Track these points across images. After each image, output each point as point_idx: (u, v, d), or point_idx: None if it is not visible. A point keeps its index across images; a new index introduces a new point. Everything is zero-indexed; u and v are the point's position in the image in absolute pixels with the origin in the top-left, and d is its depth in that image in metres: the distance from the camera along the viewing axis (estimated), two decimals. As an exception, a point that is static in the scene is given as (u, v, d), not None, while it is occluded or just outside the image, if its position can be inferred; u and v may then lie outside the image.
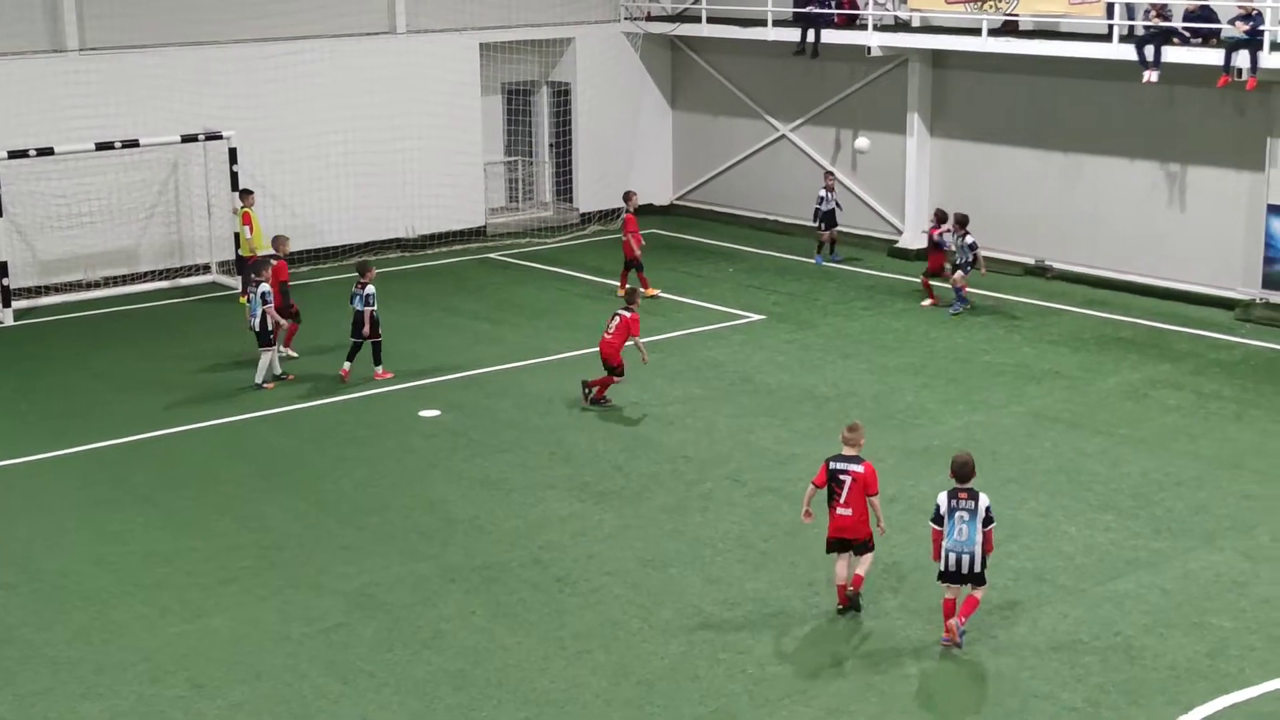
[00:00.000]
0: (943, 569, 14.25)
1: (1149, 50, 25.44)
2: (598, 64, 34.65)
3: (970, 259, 25.84)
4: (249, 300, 23.00)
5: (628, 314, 21.37)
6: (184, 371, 23.65)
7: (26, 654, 14.44)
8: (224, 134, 28.63)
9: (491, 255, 32.03)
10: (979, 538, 14.05)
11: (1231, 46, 24.53)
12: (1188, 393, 21.83)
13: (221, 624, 15.02)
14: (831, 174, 30.71)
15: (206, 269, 29.87)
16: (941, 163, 30.70)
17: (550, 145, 35.13)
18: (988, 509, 14.06)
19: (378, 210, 31.80)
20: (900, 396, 21.75)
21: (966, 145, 30.27)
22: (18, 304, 27.32)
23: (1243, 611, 14.94)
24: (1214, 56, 24.85)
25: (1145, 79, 25.76)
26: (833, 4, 31.36)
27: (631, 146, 35.52)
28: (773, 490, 18.27)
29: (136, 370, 23.87)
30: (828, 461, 14.91)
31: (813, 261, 30.28)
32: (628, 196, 28.38)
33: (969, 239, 25.79)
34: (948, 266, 26.38)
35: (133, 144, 28.06)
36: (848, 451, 14.85)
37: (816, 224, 30.23)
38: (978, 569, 14.15)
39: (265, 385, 22.59)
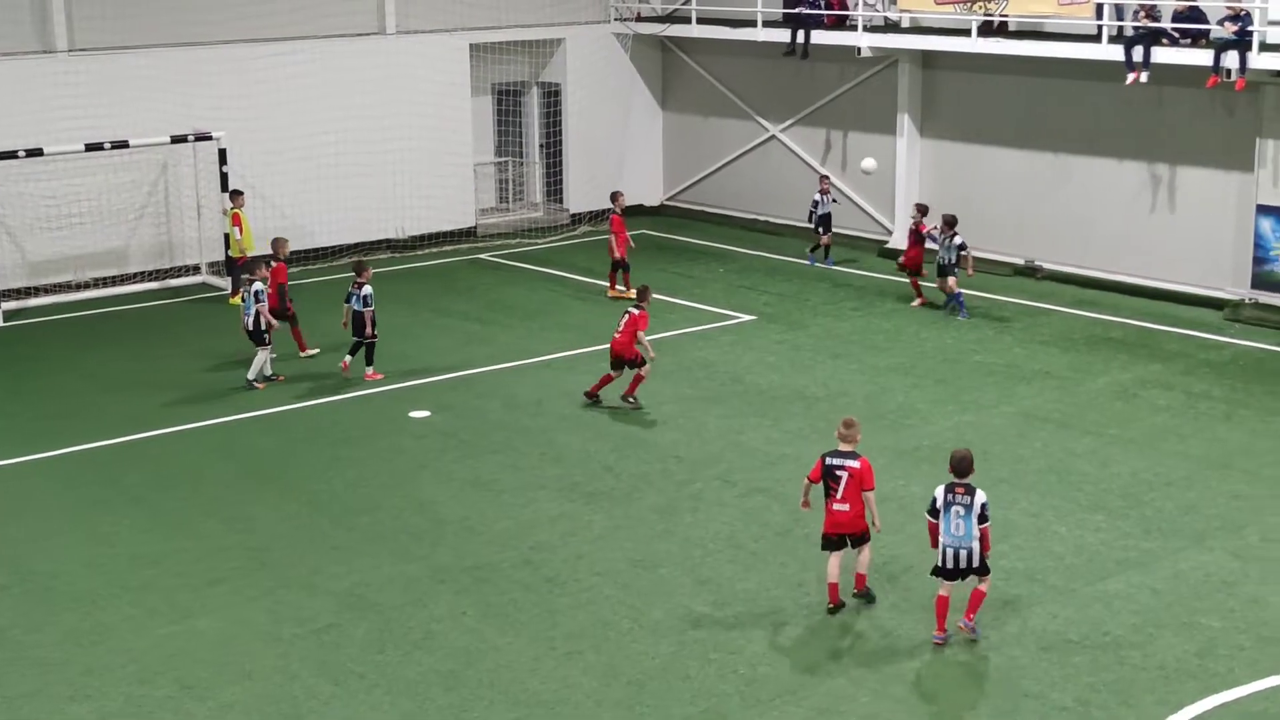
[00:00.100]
0: (938, 564, 14.28)
1: (1138, 51, 25.48)
2: (588, 65, 34.65)
3: (956, 260, 25.83)
4: (243, 300, 23.00)
5: (636, 311, 21.33)
6: (174, 372, 23.61)
7: (15, 655, 14.40)
8: (213, 135, 28.60)
9: (482, 256, 32.02)
10: (975, 533, 14.09)
11: (1220, 47, 24.58)
12: (1177, 393, 21.86)
13: (211, 625, 15.00)
14: (826, 178, 30.68)
15: (196, 270, 29.84)
16: (932, 163, 30.73)
17: (540, 146, 35.12)
18: (983, 505, 14.09)
19: (368, 211, 31.77)
20: (891, 397, 21.76)
21: (956, 146, 30.30)
22: (7, 305, 27.28)
23: (1232, 611, 14.96)
24: (1203, 57, 24.89)
25: (1130, 80, 25.82)
26: (823, 4, 31.37)
27: (622, 147, 35.52)
28: (763, 491, 18.28)
29: (126, 371, 23.84)
30: (824, 457, 14.95)
31: (806, 262, 30.23)
32: (614, 197, 28.37)
33: (957, 239, 25.80)
34: (937, 272, 26.32)
35: (122, 145, 28.02)
36: (844, 447, 14.89)
37: (814, 227, 30.20)
38: (975, 563, 14.18)
39: (256, 385, 22.58)
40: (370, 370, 22.92)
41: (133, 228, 29.41)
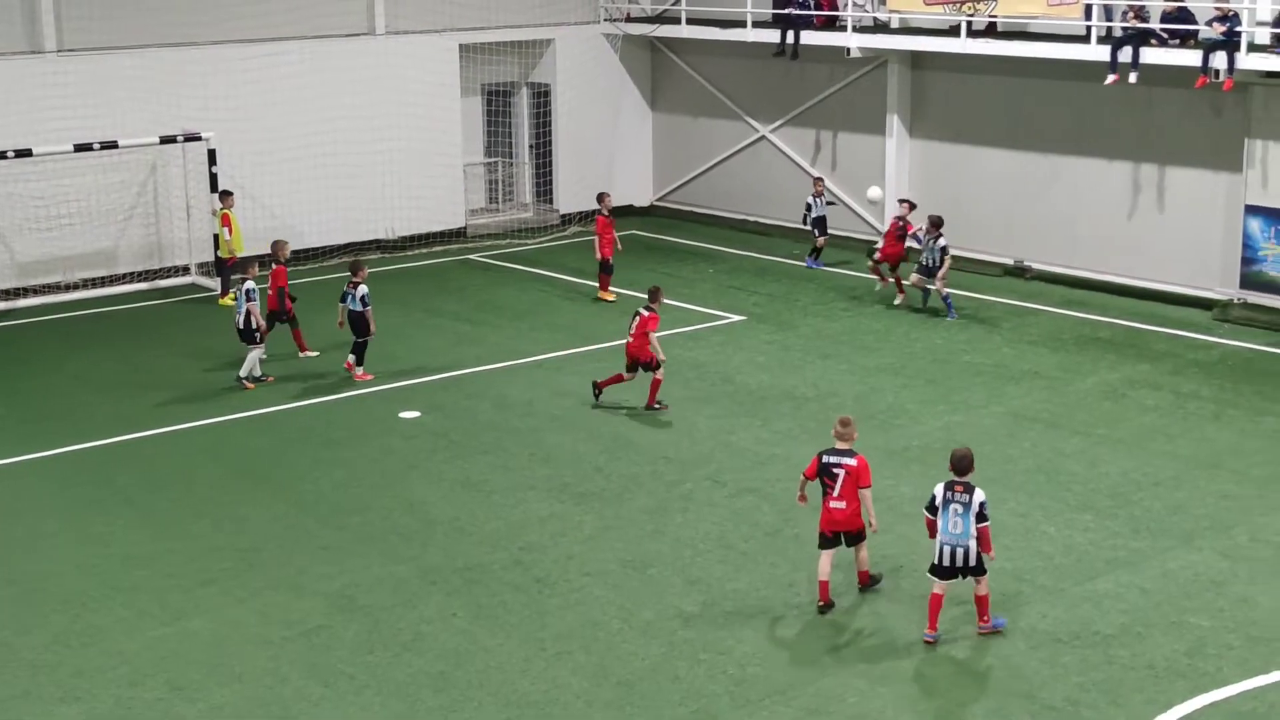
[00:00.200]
0: (935, 561, 14.33)
1: (1126, 52, 25.53)
2: (577, 65, 34.65)
3: (940, 261, 25.83)
4: (236, 299, 23.01)
5: (646, 313, 21.28)
6: (164, 373, 23.59)
7: (4, 657, 14.38)
8: (203, 135, 28.56)
9: (472, 256, 32.01)
10: (973, 531, 14.13)
11: (1209, 48, 24.63)
12: (1166, 393, 21.91)
13: (201, 626, 14.99)
14: (820, 180, 30.65)
15: (186, 270, 29.80)
16: (921, 164, 30.76)
17: (530, 146, 35.12)
18: (982, 505, 14.15)
19: (358, 211, 31.76)
20: (880, 397, 21.79)
21: (946, 146, 30.34)
22: (-4, 306, 27.31)
23: (1221, 611, 15.00)
24: (1191, 58, 24.95)
25: (1109, 81, 25.88)
26: (812, 5, 31.39)
27: (611, 148, 35.53)
28: (753, 491, 18.30)
29: (116, 372, 23.81)
30: (820, 454, 15.03)
31: (804, 264, 30.16)
32: (600, 198, 28.23)
33: (941, 241, 25.80)
34: (915, 275, 26.24)
35: (111, 145, 27.98)
36: (840, 445, 14.96)
37: (810, 229, 30.18)
38: (973, 563, 14.22)
39: (246, 384, 22.56)
40: (360, 370, 22.92)
41: (122, 228, 29.38)
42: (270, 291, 23.72)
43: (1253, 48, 24.43)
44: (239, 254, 27.29)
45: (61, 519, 17.83)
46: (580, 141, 34.99)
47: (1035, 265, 28.91)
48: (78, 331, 26.38)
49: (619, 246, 27.97)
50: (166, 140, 28.55)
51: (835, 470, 14.86)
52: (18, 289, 28.21)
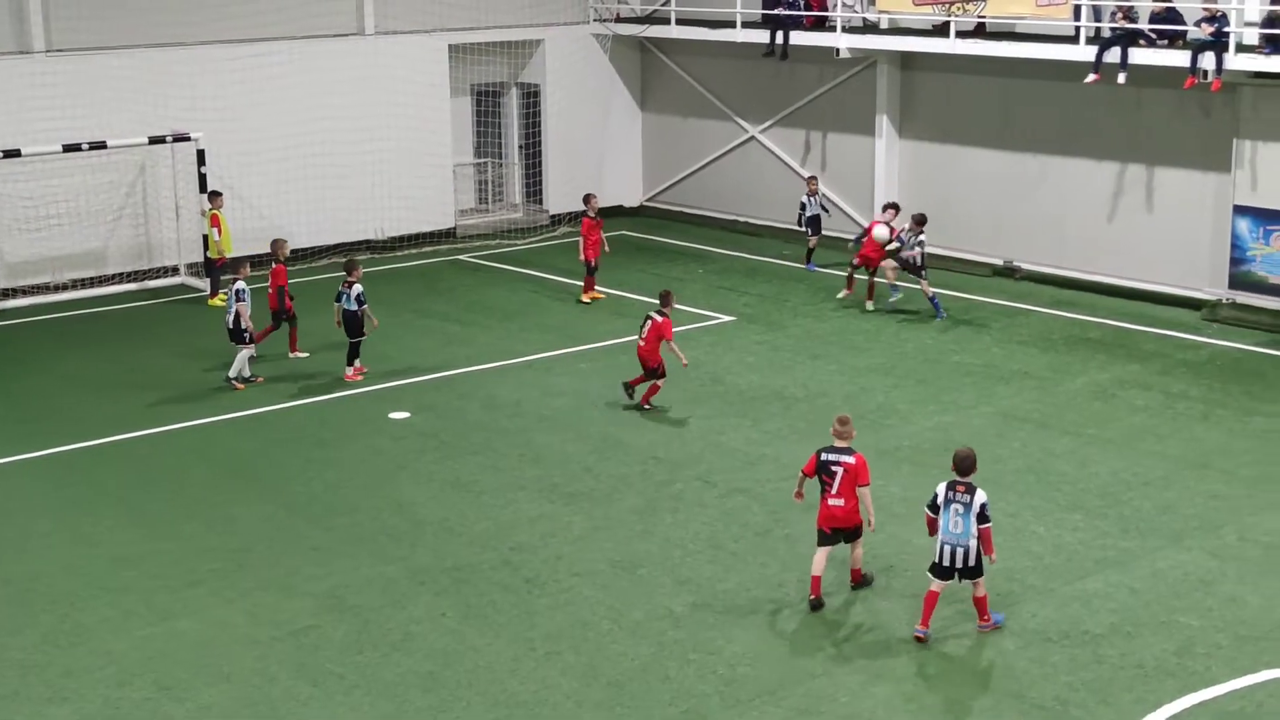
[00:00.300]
0: (935, 560, 14.36)
1: (1115, 52, 25.56)
2: (567, 65, 34.64)
3: (923, 261, 25.81)
4: (226, 300, 22.99)
5: (659, 318, 21.21)
6: (153, 373, 23.55)
7: (-7, 658, 14.38)
8: (192, 136, 28.52)
9: (461, 257, 31.99)
10: (974, 531, 14.15)
11: (1197, 48, 24.68)
12: (1155, 393, 21.94)
13: (190, 626, 14.97)
14: (814, 179, 30.63)
15: (175, 271, 29.76)
16: (910, 164, 30.79)
17: (520, 147, 35.10)
18: (983, 505, 14.18)
19: (347, 212, 31.72)
20: (870, 397, 21.79)
21: (935, 147, 30.36)
22: (-15, 306, 27.26)
23: (1210, 610, 15.02)
24: (1180, 58, 24.99)
25: (1089, 79, 25.94)
26: (802, 5, 31.40)
27: (601, 148, 35.52)
28: (743, 491, 18.29)
29: (105, 373, 23.76)
30: (819, 452, 15.10)
31: (806, 269, 30.03)
32: (586, 199, 28.07)
33: (920, 237, 25.78)
34: (888, 266, 26.16)
35: (100, 146, 27.93)
36: (839, 444, 15.04)
37: (803, 229, 30.14)
38: (972, 563, 14.25)
39: (236, 384, 22.53)
40: (350, 370, 22.91)
41: (111, 229, 29.33)
42: (270, 290, 23.74)
43: (1241, 48, 24.47)
44: (228, 254, 27.29)
45: (52, 519, 17.79)
46: (570, 142, 34.99)
47: (1025, 265, 28.94)
48: (67, 332, 26.33)
49: (606, 248, 27.89)
50: (155, 141, 28.51)
51: (834, 468, 14.94)
52: (6, 290, 28.15)
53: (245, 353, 22.67)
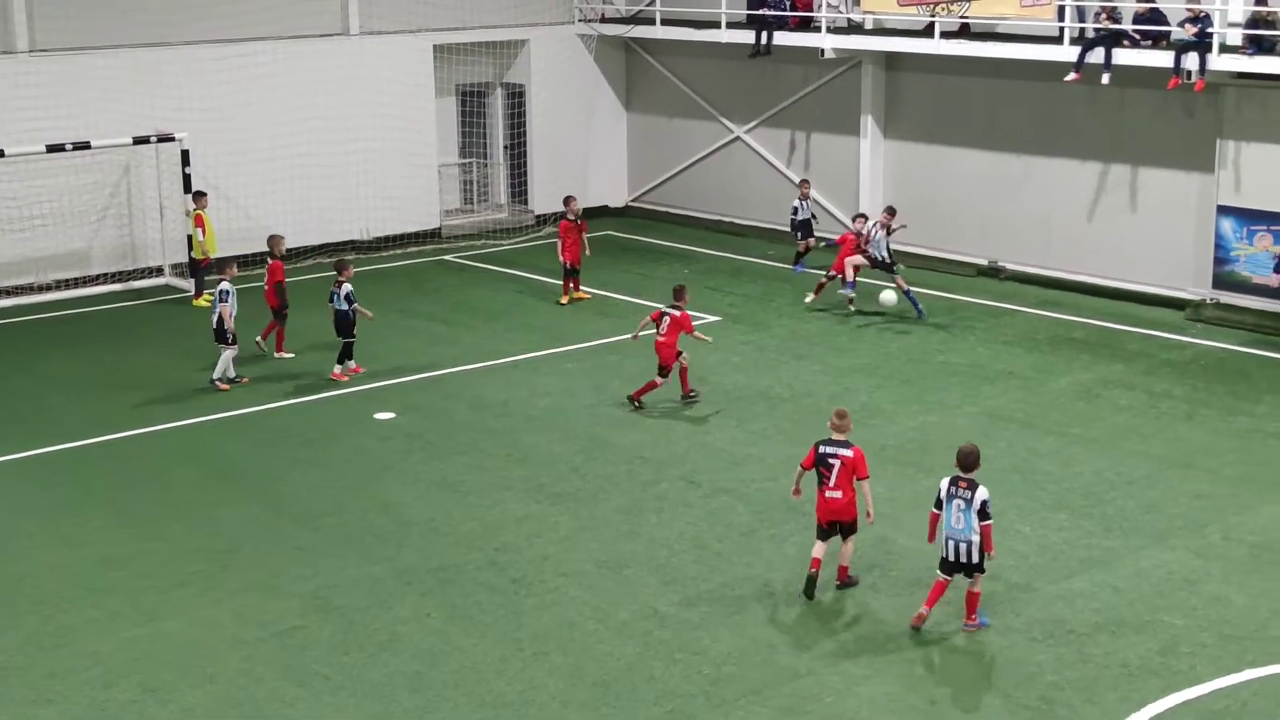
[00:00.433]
0: (942, 555, 14.50)
1: (1098, 53, 25.63)
2: (552, 66, 34.64)
3: (889, 256, 25.83)
4: (212, 300, 22.99)
5: (677, 313, 21.38)
6: (138, 374, 23.50)
7: (-22, 659, 14.34)
8: (176, 136, 28.46)
9: (447, 257, 31.97)
10: (975, 527, 14.21)
11: (1180, 49, 24.74)
12: (1139, 392, 21.99)
13: (175, 627, 14.94)
14: (806, 182, 30.61)
15: (159, 272, 29.70)
16: (895, 164, 30.83)
17: (505, 147, 35.07)
18: (984, 502, 14.26)
19: (332, 212, 31.66)
20: (855, 397, 21.81)
21: (920, 147, 30.40)
22: (-32, 307, 27.17)
23: (1194, 609, 15.06)
24: (1164, 59, 25.06)
25: (1070, 79, 26.01)
26: (787, 6, 31.43)
27: (586, 148, 35.52)
28: (728, 491, 18.31)
29: (90, 373, 23.71)
30: (817, 445, 15.26)
31: (793, 271, 29.98)
32: (566, 201, 27.90)
33: (886, 232, 25.77)
34: (851, 263, 26.11)
35: (84, 146, 27.86)
36: (837, 436, 15.22)
37: (793, 233, 30.12)
38: (974, 559, 14.31)
39: (220, 385, 22.50)
40: (338, 369, 22.92)
41: (95, 229, 29.26)
42: (267, 287, 23.82)
43: (1224, 49, 24.53)
44: (212, 255, 27.25)
45: (37, 520, 17.74)
46: (555, 142, 34.98)
47: (1009, 266, 28.99)
48: (51, 333, 26.25)
49: (587, 251, 27.73)
50: (140, 141, 28.45)
51: (831, 460, 15.11)
52: (-9, 290, 28.13)
53: (229, 354, 22.64)
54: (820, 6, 30.87)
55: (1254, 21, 24.39)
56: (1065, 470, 18.89)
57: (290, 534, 17.25)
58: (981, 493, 14.28)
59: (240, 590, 15.77)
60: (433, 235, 33.30)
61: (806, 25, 31.27)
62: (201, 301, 27.27)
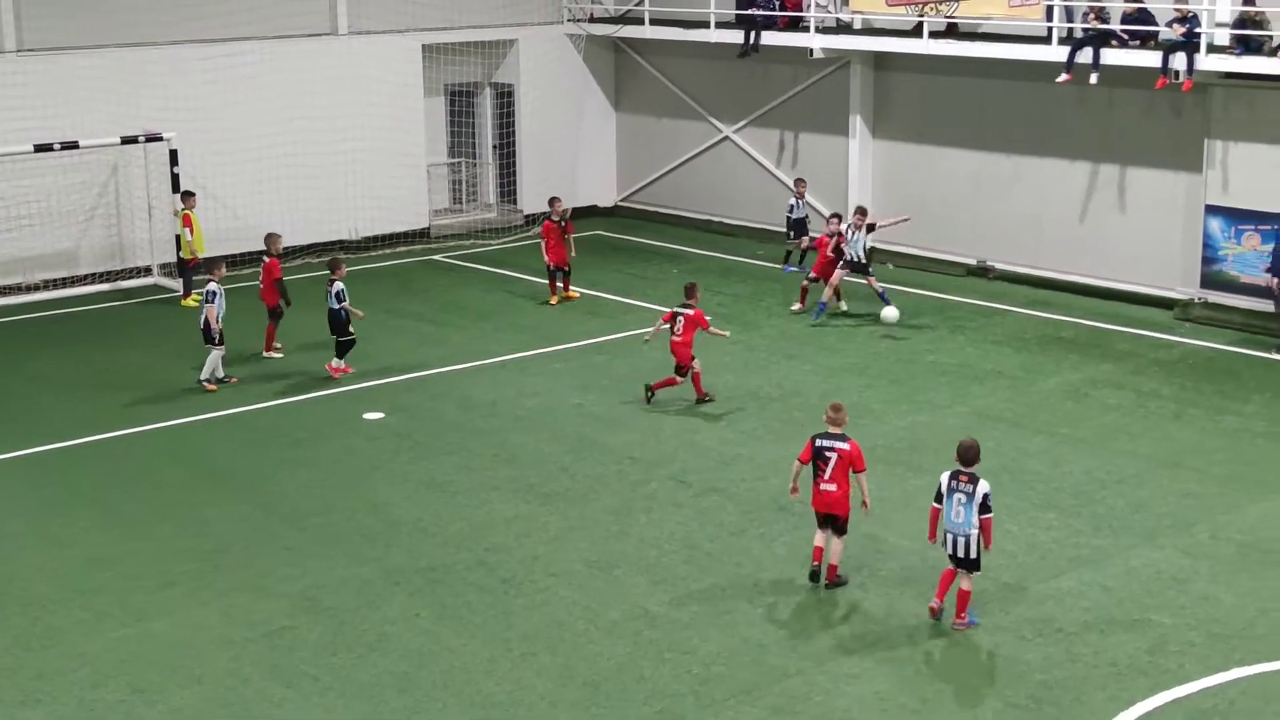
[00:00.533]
0: (947, 550, 14.56)
1: (1087, 53, 25.66)
2: (541, 65, 34.62)
3: (866, 257, 25.82)
4: (200, 301, 22.99)
5: (690, 312, 21.43)
6: (126, 374, 23.46)
7: (-35, 660, 14.30)
8: (164, 136, 28.41)
9: (435, 257, 31.94)
10: (974, 522, 14.24)
11: (1168, 49, 24.78)
12: (1128, 392, 22.02)
13: (163, 628, 14.91)
14: (802, 181, 30.58)
15: (148, 271, 29.64)
16: (884, 164, 30.84)
17: (494, 147, 35.06)
18: (985, 496, 14.32)
19: (320, 212, 31.61)
20: (844, 396, 21.70)
21: (908, 147, 30.42)
22: (-45, 307, 27.10)
23: (1183, 608, 15.08)
24: (1151, 59, 25.09)
25: (1061, 79, 26.05)
26: (776, 6, 31.43)
27: (575, 148, 35.51)
28: (718, 491, 18.31)
29: (78, 373, 23.66)
30: (813, 439, 15.35)
31: (782, 270, 29.92)
32: (551, 202, 27.78)
33: (862, 233, 25.72)
34: (835, 283, 26.05)
35: (72, 146, 27.80)
36: (833, 430, 15.32)
37: (787, 232, 30.09)
38: (972, 554, 14.34)
39: (207, 386, 22.46)
40: (336, 364, 22.94)
41: (83, 229, 29.20)
42: (264, 285, 23.94)
43: (1212, 49, 24.58)
44: (200, 255, 27.22)
45: (24, 520, 17.70)
46: (544, 142, 34.97)
47: (998, 265, 29.02)
48: (40, 333, 26.19)
49: (573, 251, 27.67)
50: (128, 140, 28.39)
51: (828, 454, 15.24)
52: (-22, 290, 28.06)
53: (216, 354, 22.60)
54: (809, 6, 30.87)
55: (1241, 21, 24.45)
56: (1054, 469, 18.91)
57: (279, 534, 17.22)
58: (983, 486, 14.34)
59: (228, 590, 15.74)
60: (421, 235, 33.27)
61: (795, 25, 31.28)
62: (190, 301, 27.24)
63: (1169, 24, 24.90)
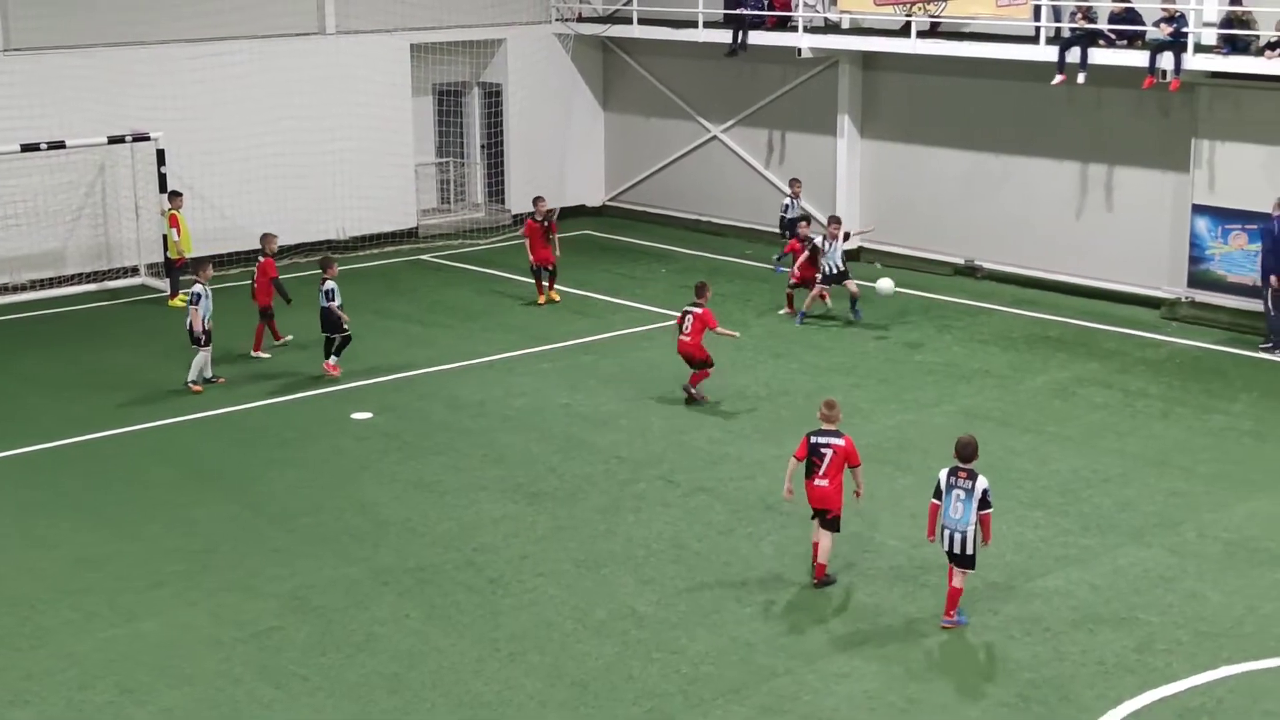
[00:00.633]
0: (944, 548, 14.57)
1: (1074, 52, 25.71)
2: (529, 65, 34.61)
3: (842, 266, 25.76)
4: (187, 301, 22.97)
5: (699, 310, 21.37)
6: (113, 375, 23.42)
7: (-47, 661, 14.27)
8: (151, 135, 28.36)
9: (423, 257, 31.93)
10: (973, 519, 14.26)
11: (1156, 48, 24.84)
12: (1115, 391, 22.07)
13: (152, 628, 14.90)
14: (797, 181, 30.54)
15: (135, 272, 29.59)
16: (872, 164, 30.86)
17: (482, 146, 35.05)
18: (985, 491, 14.34)
19: (308, 212, 31.57)
20: (832, 395, 21.78)
21: (897, 147, 30.45)
22: (-58, 308, 27.03)
23: (1170, 607, 15.11)
24: (1139, 58, 25.15)
25: (1056, 81, 26.09)
26: (765, 5, 31.45)
27: (563, 148, 35.51)
28: (706, 490, 18.32)
29: (65, 374, 23.62)
30: (808, 436, 15.42)
31: (773, 268, 29.85)
32: (534, 202, 27.65)
33: (839, 243, 25.68)
34: (818, 293, 25.98)
35: (59, 145, 27.73)
36: (827, 427, 15.42)
37: (781, 231, 30.05)
38: (969, 550, 14.35)
39: (193, 387, 22.43)
40: (331, 363, 22.93)
41: (70, 229, 29.14)
42: (258, 284, 24.05)
43: (1199, 48, 24.64)
44: (188, 255, 27.18)
45: (10, 521, 17.67)
46: (532, 141, 34.96)
47: (986, 265, 29.06)
48: (27, 333, 26.15)
49: (557, 251, 27.58)
50: (115, 140, 28.34)
51: (823, 450, 15.31)
52: (-36, 291, 28.00)
53: (203, 355, 22.57)
54: (797, 6, 30.90)
55: (1228, 21, 24.51)
56: (1041, 468, 18.95)
57: (267, 534, 17.21)
58: (982, 482, 14.36)
59: (217, 591, 15.72)
60: (409, 235, 33.25)
61: (783, 25, 31.29)
62: (177, 302, 27.19)
63: (1156, 23, 24.96)
